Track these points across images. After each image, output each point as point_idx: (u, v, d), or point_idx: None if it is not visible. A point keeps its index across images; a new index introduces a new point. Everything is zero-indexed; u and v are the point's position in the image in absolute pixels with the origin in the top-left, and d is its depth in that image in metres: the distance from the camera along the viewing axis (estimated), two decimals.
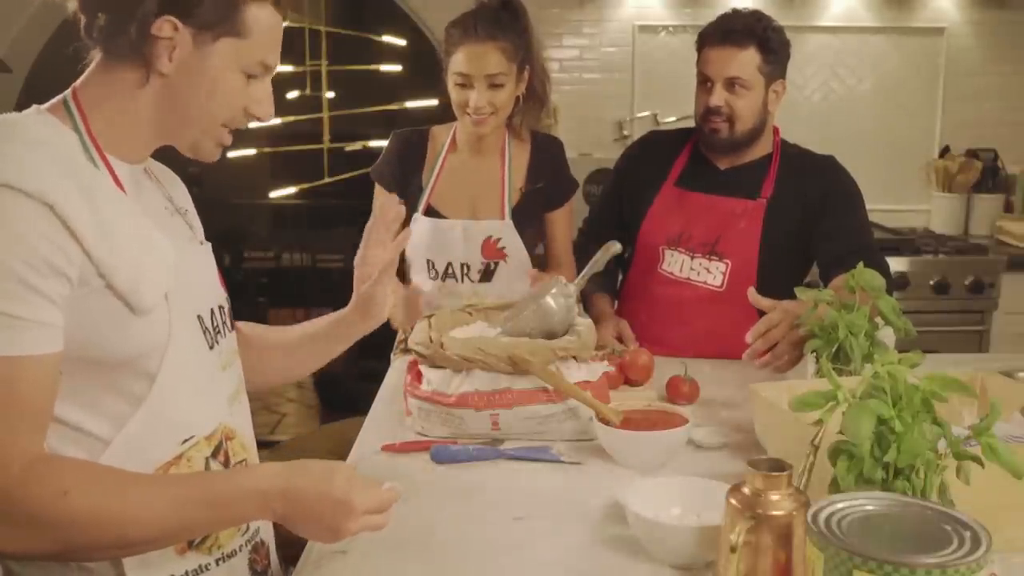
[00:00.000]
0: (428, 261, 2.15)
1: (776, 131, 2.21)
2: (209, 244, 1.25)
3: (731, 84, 2.05)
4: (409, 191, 2.16)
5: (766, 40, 2.04)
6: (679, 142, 2.27)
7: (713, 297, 2.14)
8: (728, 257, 2.13)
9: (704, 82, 2.11)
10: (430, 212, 2.13)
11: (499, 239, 2.12)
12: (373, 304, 1.42)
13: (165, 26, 1.04)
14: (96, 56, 1.08)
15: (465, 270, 2.13)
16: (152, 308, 1.05)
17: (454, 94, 2.05)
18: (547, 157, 2.19)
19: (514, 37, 2.02)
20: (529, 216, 2.16)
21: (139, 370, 1.06)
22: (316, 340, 1.45)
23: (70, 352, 1.00)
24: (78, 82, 1.09)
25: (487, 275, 2.13)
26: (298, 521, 1.05)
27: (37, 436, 0.99)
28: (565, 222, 2.23)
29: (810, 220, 2.11)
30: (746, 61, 2.04)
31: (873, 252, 2.00)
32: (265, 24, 1.09)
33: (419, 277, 2.17)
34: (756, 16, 2.08)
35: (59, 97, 1.09)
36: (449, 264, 2.14)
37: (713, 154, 2.20)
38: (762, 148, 2.18)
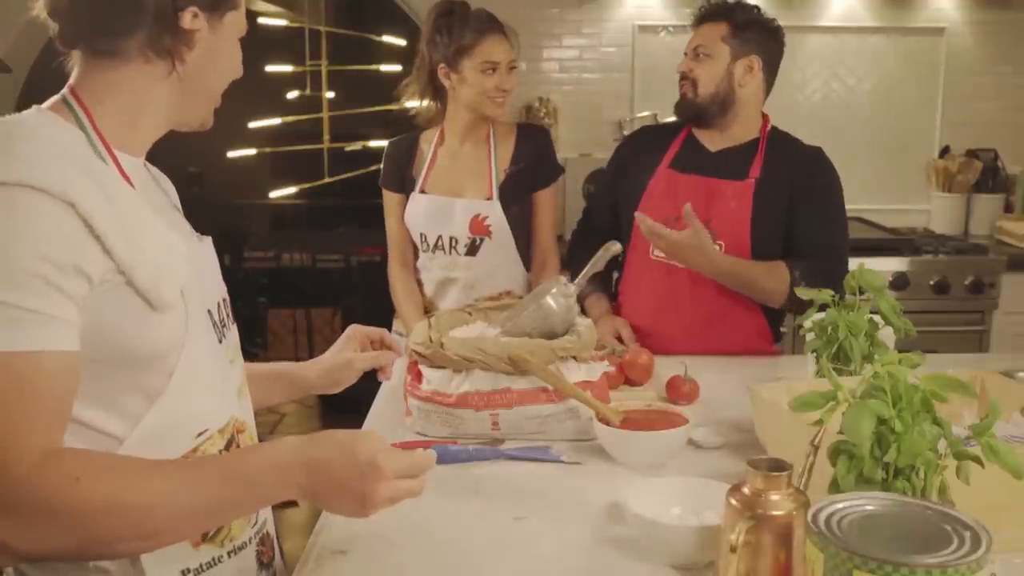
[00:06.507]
0: (421, 235, 2.40)
1: (766, 118, 2.27)
2: (209, 238, 1.26)
3: (696, 53, 2.22)
4: (406, 186, 2.43)
5: (733, 16, 2.20)
6: (674, 129, 2.35)
7: (708, 280, 2.14)
8: (721, 238, 2.15)
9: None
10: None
11: (486, 217, 2.35)
12: (349, 370, 1.53)
13: (189, 17, 1.07)
14: (81, 56, 1.08)
15: (453, 243, 2.38)
16: (171, 303, 1.05)
17: (480, 81, 2.27)
18: (531, 141, 2.43)
19: None
20: (514, 194, 2.38)
21: (158, 366, 1.06)
22: (276, 379, 1.49)
23: (92, 353, 0.99)
24: (73, 81, 1.09)
25: (472, 249, 2.37)
26: (324, 493, 1.01)
27: (56, 432, 0.98)
28: (550, 206, 2.45)
29: (793, 207, 2.16)
30: (711, 33, 2.20)
31: (838, 265, 2.05)
32: None
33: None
34: (735, 2, 2.25)
35: (57, 96, 1.08)
36: (440, 237, 2.38)
37: (685, 119, 2.28)
38: (750, 131, 2.24)
